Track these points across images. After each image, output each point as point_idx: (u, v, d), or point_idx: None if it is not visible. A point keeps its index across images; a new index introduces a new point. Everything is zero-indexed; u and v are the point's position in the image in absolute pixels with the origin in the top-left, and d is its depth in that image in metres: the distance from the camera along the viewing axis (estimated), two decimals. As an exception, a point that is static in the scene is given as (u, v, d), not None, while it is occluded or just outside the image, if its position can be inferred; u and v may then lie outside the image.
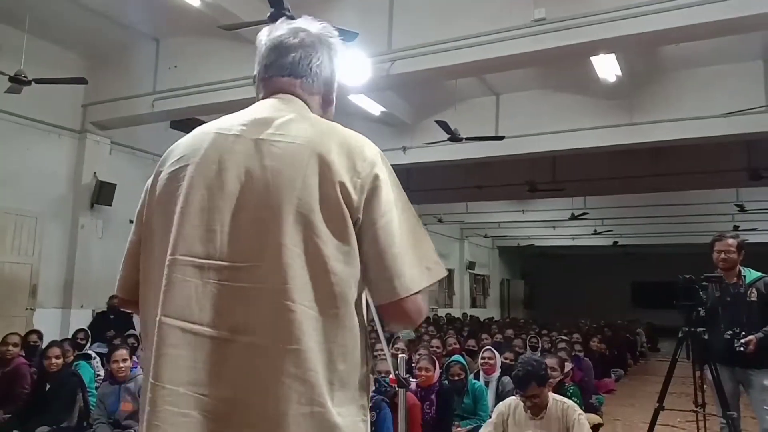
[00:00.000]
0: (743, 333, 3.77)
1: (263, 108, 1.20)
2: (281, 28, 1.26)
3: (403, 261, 1.05)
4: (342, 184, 1.05)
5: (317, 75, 1.26)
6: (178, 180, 1.13)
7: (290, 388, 1.00)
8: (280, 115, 1.15)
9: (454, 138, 8.10)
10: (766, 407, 3.82)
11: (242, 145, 1.11)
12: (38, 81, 6.34)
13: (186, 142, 1.19)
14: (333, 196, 1.04)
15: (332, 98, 1.32)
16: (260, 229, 1.05)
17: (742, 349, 3.73)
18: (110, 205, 8.38)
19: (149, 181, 1.22)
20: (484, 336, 8.70)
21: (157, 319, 1.06)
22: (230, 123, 1.17)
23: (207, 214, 1.08)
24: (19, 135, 7.68)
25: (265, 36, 1.28)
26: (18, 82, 6.25)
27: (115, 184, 8.37)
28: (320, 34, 1.27)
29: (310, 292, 1.03)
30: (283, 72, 1.24)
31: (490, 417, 3.86)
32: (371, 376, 1.17)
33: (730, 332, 3.82)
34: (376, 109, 9.06)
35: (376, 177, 1.08)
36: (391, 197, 1.08)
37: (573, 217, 15.55)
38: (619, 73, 7.32)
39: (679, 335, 3.81)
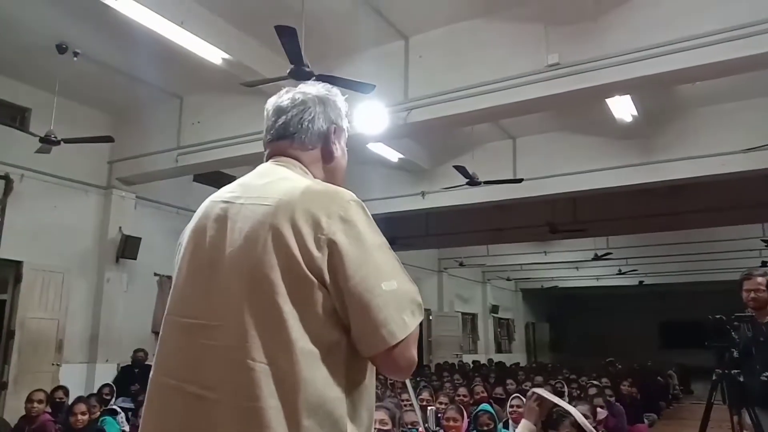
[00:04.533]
0: (780, 375, 3.67)
1: (256, 173, 1.27)
2: (283, 96, 1.35)
3: (388, 310, 1.05)
4: (302, 242, 1.06)
5: (309, 129, 1.31)
6: (180, 246, 1.26)
7: None
8: (266, 178, 1.22)
9: (473, 182, 8.15)
10: (809, 452, 3.67)
11: (224, 211, 1.19)
12: (67, 141, 6.54)
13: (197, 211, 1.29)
14: (293, 254, 1.06)
15: (332, 149, 1.34)
16: (228, 289, 1.10)
17: (780, 391, 3.62)
18: (135, 259, 8.50)
19: None
20: (509, 381, 8.51)
21: (152, 375, 1.18)
22: (225, 190, 1.26)
23: (192, 276, 1.18)
24: (47, 193, 7.89)
25: (269, 104, 1.36)
26: (48, 142, 6.45)
27: (140, 238, 8.51)
28: (316, 93, 1.34)
29: (270, 349, 1.04)
30: (278, 134, 1.32)
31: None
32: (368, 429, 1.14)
33: (767, 374, 3.71)
34: (394, 156, 9.17)
35: (341, 231, 1.07)
36: (367, 247, 1.08)
37: (596, 258, 15.37)
38: (635, 113, 7.35)
39: (713, 377, 3.71)
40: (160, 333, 1.20)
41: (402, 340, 1.06)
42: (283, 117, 1.32)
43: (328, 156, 1.35)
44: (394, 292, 1.08)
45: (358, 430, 1.09)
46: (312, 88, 1.35)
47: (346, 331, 1.09)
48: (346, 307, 1.07)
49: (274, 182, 1.20)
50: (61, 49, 6.62)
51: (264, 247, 1.08)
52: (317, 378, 1.05)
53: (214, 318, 1.11)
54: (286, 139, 1.31)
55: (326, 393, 1.05)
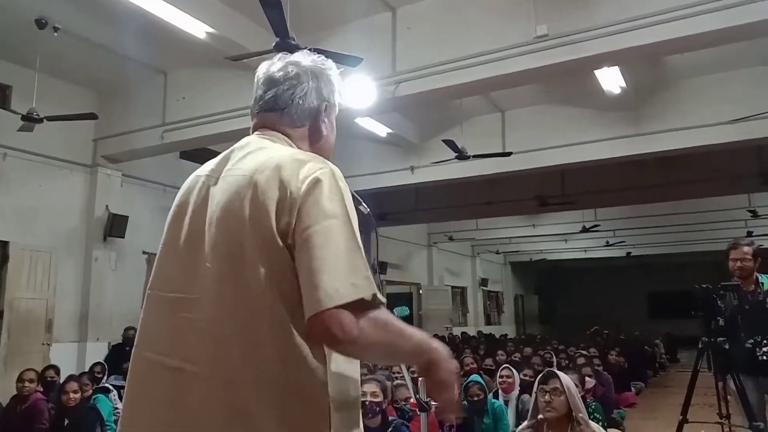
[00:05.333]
0: (765, 341, 3.73)
1: (238, 145, 1.25)
2: (276, 64, 1.31)
3: (323, 274, 0.99)
4: (275, 211, 1.05)
5: (299, 106, 1.28)
6: (167, 221, 1.25)
7: (227, 418, 1.01)
8: (246, 150, 1.21)
9: (462, 156, 8.12)
10: (792, 416, 3.75)
11: (205, 185, 1.19)
12: (50, 118, 6.43)
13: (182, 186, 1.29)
14: (265, 224, 1.05)
15: (321, 128, 1.32)
16: (207, 262, 1.10)
17: (765, 358, 3.68)
18: (123, 237, 8.45)
19: None
20: (499, 353, 8.62)
21: (134, 350, 1.18)
22: (208, 163, 1.25)
23: (174, 251, 1.18)
24: (31, 172, 7.79)
25: (260, 71, 1.33)
26: (30, 120, 6.34)
27: (127, 216, 8.45)
28: (311, 66, 1.30)
29: (247, 323, 1.03)
30: (267, 106, 1.29)
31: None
32: (351, 403, 1.12)
33: (752, 341, 3.78)
34: (382, 130, 9.11)
35: (306, 192, 1.05)
36: (323, 210, 1.04)
37: (584, 230, 15.48)
38: (624, 84, 7.33)
39: (699, 346, 3.76)
40: (143, 308, 1.20)
41: (336, 307, 0.97)
42: (274, 90, 1.28)
43: (316, 135, 1.32)
44: (338, 259, 1.01)
45: (341, 403, 1.08)
46: (306, 59, 1.32)
47: None
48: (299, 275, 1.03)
49: (253, 153, 1.19)
50: (41, 24, 6.46)
51: (239, 220, 1.08)
52: (296, 351, 1.03)
53: (193, 291, 1.11)
54: (274, 111, 1.29)
55: (306, 366, 1.03)
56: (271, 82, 1.29)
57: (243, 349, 1.03)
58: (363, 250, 1.06)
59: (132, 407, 1.15)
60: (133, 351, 1.18)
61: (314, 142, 1.31)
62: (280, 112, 1.27)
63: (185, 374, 1.07)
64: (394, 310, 1.14)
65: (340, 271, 1.00)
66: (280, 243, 1.04)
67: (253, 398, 1.01)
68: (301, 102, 1.27)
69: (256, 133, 1.29)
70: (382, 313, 1.05)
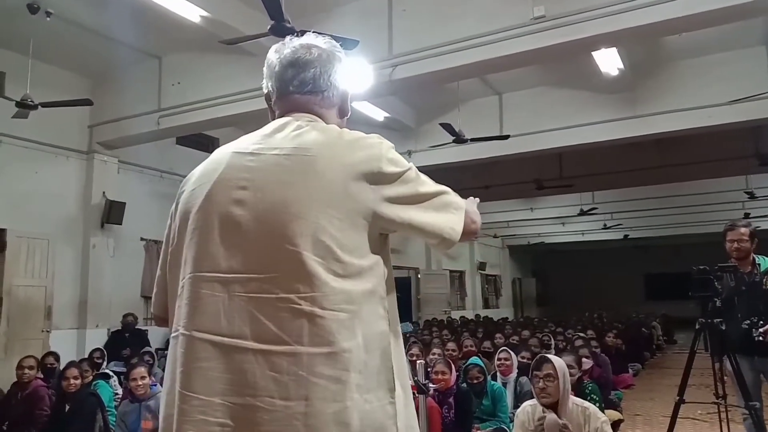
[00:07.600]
0: (761, 322, 3.74)
1: (278, 125, 1.23)
2: (291, 45, 1.30)
3: (442, 219, 1.21)
4: (356, 191, 1.11)
5: (336, 88, 1.31)
6: (196, 199, 1.18)
7: (326, 389, 1.04)
8: (293, 130, 1.20)
9: (459, 139, 8.10)
10: (788, 396, 3.78)
11: (255, 162, 1.15)
12: (44, 105, 6.38)
13: (205, 163, 1.25)
14: (348, 202, 1.10)
15: (348, 108, 1.37)
16: (279, 240, 1.08)
17: (761, 338, 3.70)
18: (120, 224, 8.43)
19: (173, 205, 1.27)
20: (498, 336, 8.66)
21: (185, 333, 1.11)
22: (246, 142, 1.22)
23: (228, 230, 1.13)
24: (27, 159, 7.75)
25: (276, 53, 1.31)
26: (25, 106, 6.29)
27: (125, 203, 8.43)
28: (330, 49, 1.32)
29: (333, 295, 1.06)
30: (303, 88, 1.28)
31: (511, 420, 3.82)
32: (403, 356, 1.24)
33: (748, 322, 3.79)
34: (379, 114, 9.07)
35: (392, 176, 1.16)
36: (412, 182, 1.20)
37: (582, 213, 15.48)
38: (622, 66, 7.29)
39: (696, 327, 3.78)
40: (187, 291, 1.14)
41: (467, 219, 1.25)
42: (312, 71, 1.28)
43: (344, 113, 1.37)
44: (440, 204, 1.23)
45: (397, 358, 1.17)
46: (320, 41, 1.32)
47: (388, 268, 1.19)
48: (410, 233, 1.20)
49: (306, 133, 1.19)
50: (33, 9, 6.38)
51: (319, 196, 1.09)
52: (372, 315, 1.12)
53: (263, 270, 1.08)
54: (314, 94, 1.28)
55: (379, 328, 1.12)
56: (302, 63, 1.28)
57: (336, 323, 1.06)
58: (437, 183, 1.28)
59: (196, 387, 1.08)
60: (181, 334, 1.12)
61: (341, 120, 1.36)
62: (320, 94, 1.28)
63: (267, 354, 1.05)
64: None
65: (445, 210, 1.24)
66: (364, 221, 1.11)
67: (347, 365, 1.06)
68: (337, 84, 1.31)
69: (290, 114, 1.26)
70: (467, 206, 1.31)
